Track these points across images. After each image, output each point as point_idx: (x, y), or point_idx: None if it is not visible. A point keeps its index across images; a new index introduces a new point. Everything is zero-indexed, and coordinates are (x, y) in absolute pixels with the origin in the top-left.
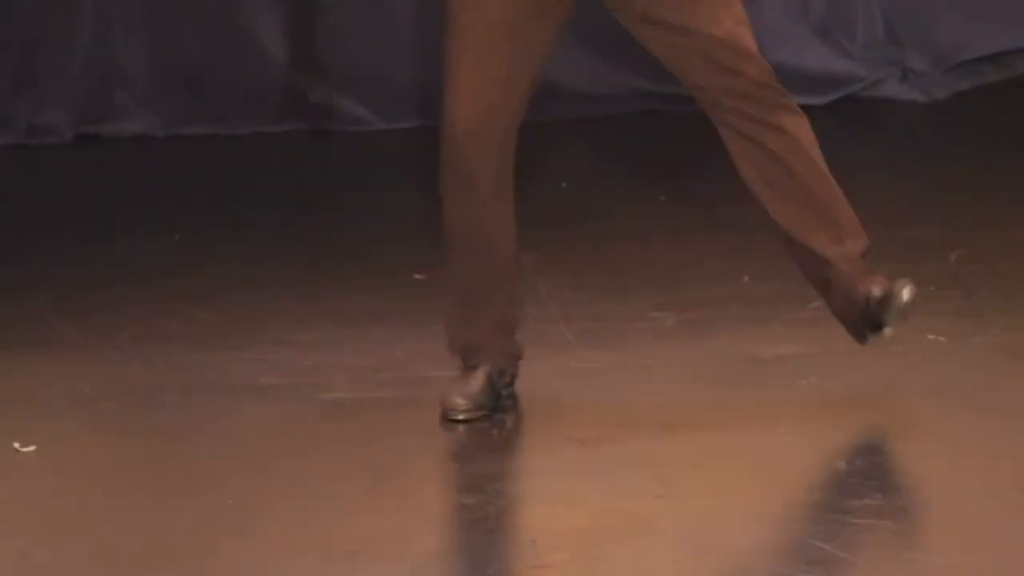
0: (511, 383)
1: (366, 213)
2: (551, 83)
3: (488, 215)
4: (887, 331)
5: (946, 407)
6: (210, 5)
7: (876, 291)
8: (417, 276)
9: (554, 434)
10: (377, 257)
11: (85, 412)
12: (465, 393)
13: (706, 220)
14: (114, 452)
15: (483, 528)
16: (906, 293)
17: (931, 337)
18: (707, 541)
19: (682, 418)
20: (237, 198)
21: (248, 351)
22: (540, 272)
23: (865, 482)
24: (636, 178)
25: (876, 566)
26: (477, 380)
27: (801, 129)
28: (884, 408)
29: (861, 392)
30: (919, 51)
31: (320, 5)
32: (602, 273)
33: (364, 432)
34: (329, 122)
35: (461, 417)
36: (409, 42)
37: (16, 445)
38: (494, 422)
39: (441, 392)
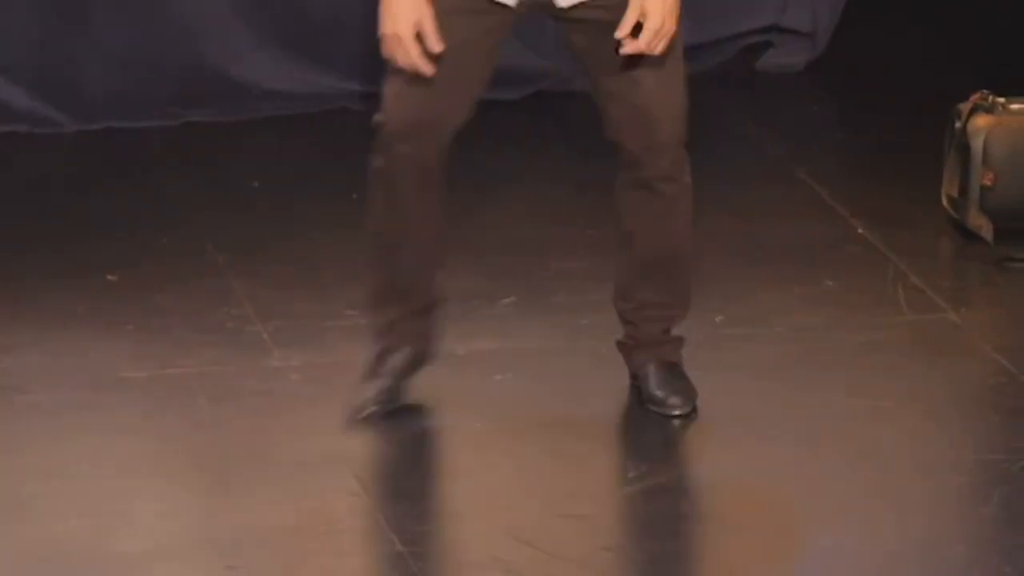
0: (423, 358)
1: (58, 214)
2: (239, 81)
3: (414, 215)
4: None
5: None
6: None
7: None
8: (110, 277)
9: (250, 434)
10: (70, 258)
11: None
12: (379, 388)
13: None
14: None
15: (181, 536)
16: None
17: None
18: (405, 539)
19: (379, 415)
20: None
21: None
22: (235, 272)
23: (559, 476)
24: (329, 176)
25: (580, 558)
26: (389, 375)
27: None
28: (576, 402)
29: (554, 387)
30: None
31: (8, 5)
32: (297, 272)
33: (61, 434)
34: (21, 124)
35: (376, 409)
36: (102, 46)
37: None
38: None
39: (359, 385)
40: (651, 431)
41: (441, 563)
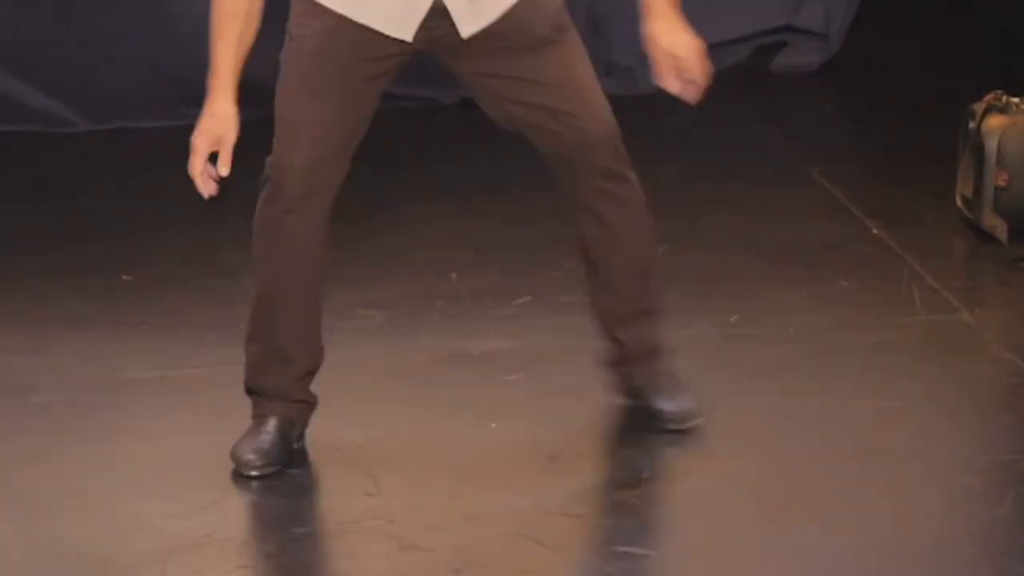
0: (302, 435)
1: (72, 213)
2: (248, 79)
3: (303, 262)
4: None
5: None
6: None
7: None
8: (125, 277)
9: None
10: (85, 258)
11: None
12: (257, 449)
13: (408, 216)
14: None
15: (192, 536)
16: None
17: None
18: (417, 538)
19: (392, 414)
20: None
21: None
22: (247, 272)
23: (571, 475)
24: None
25: (590, 558)
26: (269, 434)
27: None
28: (589, 402)
29: (566, 386)
30: (622, 45)
31: (21, 6)
32: None
33: (74, 434)
34: (33, 123)
35: (255, 474)
36: (113, 45)
37: None
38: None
39: (234, 447)
40: (660, 431)
41: (448, 561)
